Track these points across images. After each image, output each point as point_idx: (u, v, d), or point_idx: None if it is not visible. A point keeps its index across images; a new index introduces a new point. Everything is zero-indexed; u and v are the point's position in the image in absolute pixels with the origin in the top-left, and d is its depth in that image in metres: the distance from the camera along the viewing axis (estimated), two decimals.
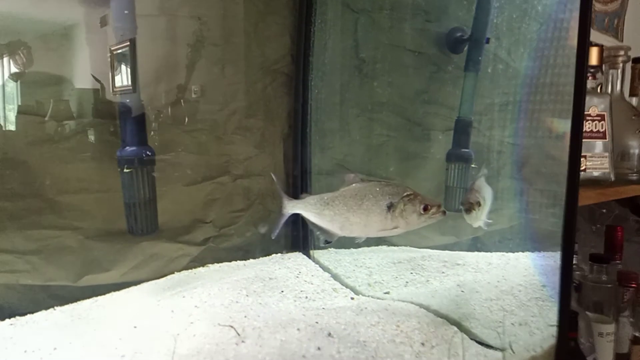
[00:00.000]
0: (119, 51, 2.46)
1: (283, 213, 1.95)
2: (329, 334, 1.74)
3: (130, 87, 2.42)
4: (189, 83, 2.77)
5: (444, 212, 1.78)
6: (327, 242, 1.90)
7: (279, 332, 1.72)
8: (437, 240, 3.54)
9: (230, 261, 2.94)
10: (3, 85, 2.32)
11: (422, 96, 3.53)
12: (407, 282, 2.63)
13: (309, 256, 3.01)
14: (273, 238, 2.06)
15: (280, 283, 2.54)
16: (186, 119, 2.75)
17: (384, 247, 3.26)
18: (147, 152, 2.42)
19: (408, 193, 1.75)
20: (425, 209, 1.72)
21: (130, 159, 2.37)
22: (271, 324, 1.79)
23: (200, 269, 2.84)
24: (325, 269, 2.80)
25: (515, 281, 2.49)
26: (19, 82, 2.37)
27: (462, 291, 2.37)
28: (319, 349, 1.58)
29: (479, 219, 2.27)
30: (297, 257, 2.98)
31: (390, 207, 1.73)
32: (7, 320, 2.23)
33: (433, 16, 3.48)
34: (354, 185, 1.81)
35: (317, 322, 1.86)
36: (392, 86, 3.37)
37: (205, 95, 2.83)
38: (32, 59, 2.37)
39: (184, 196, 2.85)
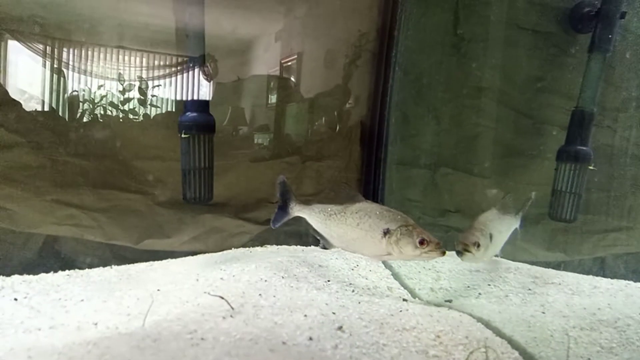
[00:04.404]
0: None
1: (289, 212, 2.02)
2: (340, 328, 1.46)
3: None
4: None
5: (443, 253, 1.68)
6: (325, 248, 1.96)
7: (282, 314, 1.49)
8: (541, 255, 2.95)
9: (290, 245, 2.78)
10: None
11: (536, 84, 2.98)
12: (480, 293, 2.19)
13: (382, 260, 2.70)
14: (273, 228, 2.10)
15: (330, 272, 2.29)
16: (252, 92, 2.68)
17: None
18: (207, 120, 2.37)
19: (407, 223, 1.70)
20: (422, 243, 1.66)
21: (189, 125, 2.34)
22: (278, 306, 1.57)
23: (258, 248, 2.73)
24: (387, 266, 2.48)
25: (625, 312, 1.89)
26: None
27: (543, 312, 1.87)
28: (310, 339, 1.31)
29: (482, 259, 1.95)
30: None
31: (387, 233, 1.70)
32: (66, 271, 2.36)
33: None
34: (357, 204, 1.81)
35: (334, 313, 1.58)
36: (496, 69, 2.89)
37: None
38: (217, 69, 2.60)
39: (250, 172, 2.77)
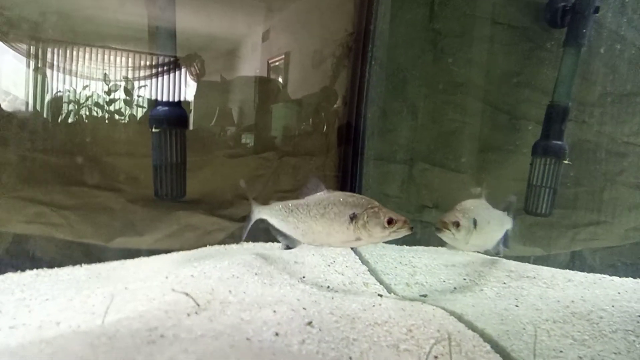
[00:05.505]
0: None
1: (251, 218, 1.99)
2: (309, 323, 1.43)
3: None
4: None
5: (411, 228, 1.68)
6: (288, 247, 1.90)
7: (250, 310, 1.46)
8: (518, 250, 2.96)
9: (267, 242, 2.74)
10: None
11: (512, 79, 2.98)
12: (455, 287, 2.18)
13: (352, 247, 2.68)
14: (242, 240, 2.09)
15: (306, 269, 2.26)
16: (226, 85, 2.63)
17: (442, 249, 2.79)
18: (179, 114, 2.33)
19: (372, 206, 1.70)
20: (390, 222, 1.66)
21: (160, 119, 2.28)
22: (247, 302, 1.54)
23: (234, 245, 2.68)
24: (364, 262, 2.46)
25: (597, 304, 1.89)
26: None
27: (517, 306, 1.87)
28: (276, 334, 1.28)
29: (465, 243, 1.91)
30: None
31: (353, 218, 1.69)
32: (34, 270, 2.28)
33: None
34: (319, 194, 1.79)
35: (304, 309, 1.55)
36: (472, 64, 2.89)
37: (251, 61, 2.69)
38: (204, 69, 2.56)
39: (226, 169, 2.73)
